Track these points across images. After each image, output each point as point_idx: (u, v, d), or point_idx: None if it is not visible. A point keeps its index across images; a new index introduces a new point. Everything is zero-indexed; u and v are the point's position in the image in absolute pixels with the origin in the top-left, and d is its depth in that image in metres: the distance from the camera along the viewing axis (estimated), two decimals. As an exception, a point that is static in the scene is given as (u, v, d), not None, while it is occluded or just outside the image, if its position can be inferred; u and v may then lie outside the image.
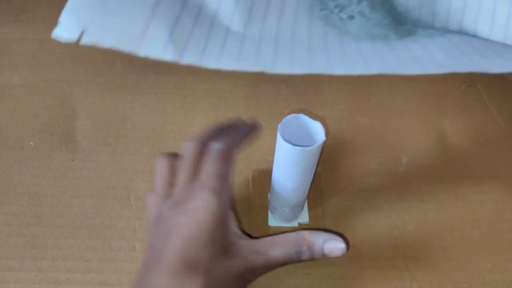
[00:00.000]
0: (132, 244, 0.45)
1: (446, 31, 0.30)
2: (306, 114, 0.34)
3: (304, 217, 0.46)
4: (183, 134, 0.53)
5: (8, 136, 0.51)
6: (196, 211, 0.29)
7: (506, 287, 0.45)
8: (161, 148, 0.52)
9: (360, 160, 0.52)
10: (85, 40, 0.25)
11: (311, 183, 0.40)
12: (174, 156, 0.37)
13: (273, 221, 0.46)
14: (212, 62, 0.27)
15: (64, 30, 0.25)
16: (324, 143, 0.33)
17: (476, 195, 0.50)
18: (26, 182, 0.48)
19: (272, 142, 0.55)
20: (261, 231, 0.46)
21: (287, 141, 0.33)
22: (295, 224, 0.46)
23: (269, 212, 0.47)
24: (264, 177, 0.49)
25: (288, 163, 0.36)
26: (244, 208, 0.48)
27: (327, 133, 0.33)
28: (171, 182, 0.36)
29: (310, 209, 0.47)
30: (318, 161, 0.36)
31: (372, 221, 0.48)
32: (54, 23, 0.28)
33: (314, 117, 0.35)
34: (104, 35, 0.24)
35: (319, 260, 0.35)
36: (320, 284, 0.44)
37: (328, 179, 0.51)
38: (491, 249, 0.47)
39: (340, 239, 0.34)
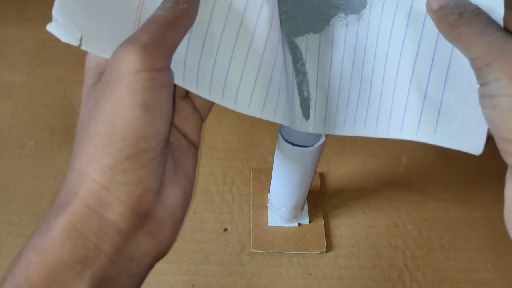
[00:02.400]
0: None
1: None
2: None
3: (304, 217, 0.46)
4: (183, 134, 0.53)
5: (9, 135, 0.51)
6: (112, 91, 0.20)
7: (506, 287, 0.45)
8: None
9: (360, 160, 0.52)
10: (86, 47, 0.24)
11: (311, 183, 0.40)
12: None
13: (273, 221, 0.46)
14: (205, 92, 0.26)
15: (62, 30, 0.24)
16: (324, 143, 0.33)
17: (475, 195, 0.50)
18: (26, 181, 0.48)
19: (272, 142, 0.55)
20: (261, 231, 0.46)
21: (287, 141, 0.33)
22: (295, 224, 0.46)
23: (269, 212, 0.47)
24: (264, 177, 0.49)
25: (289, 163, 0.36)
26: (244, 208, 0.48)
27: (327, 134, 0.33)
28: None
29: (310, 209, 0.47)
30: (318, 161, 0.36)
31: (372, 221, 0.48)
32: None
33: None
34: (103, 46, 0.24)
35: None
36: (320, 284, 0.45)
37: (328, 179, 0.51)
38: (491, 249, 0.47)
39: None
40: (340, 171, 0.51)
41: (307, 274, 0.45)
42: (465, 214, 0.49)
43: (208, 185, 0.50)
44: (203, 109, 0.27)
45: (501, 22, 0.23)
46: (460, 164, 0.52)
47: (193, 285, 0.44)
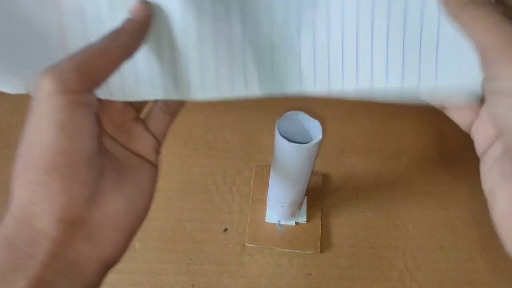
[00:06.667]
0: (132, 244, 0.45)
1: None
2: (306, 113, 0.34)
3: (302, 216, 0.46)
4: (183, 134, 0.53)
5: (9, 136, 0.52)
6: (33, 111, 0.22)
7: (506, 287, 0.44)
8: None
9: (360, 160, 0.52)
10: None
11: (309, 182, 0.40)
12: None
13: (271, 217, 0.46)
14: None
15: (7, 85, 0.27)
16: (321, 141, 0.33)
17: (475, 195, 0.50)
18: (27, 182, 0.49)
19: (272, 142, 0.55)
20: (257, 226, 0.46)
21: (284, 137, 0.33)
22: (292, 222, 0.46)
23: (267, 209, 0.47)
24: (266, 174, 0.49)
25: (285, 159, 0.36)
26: (244, 208, 0.48)
27: (324, 132, 0.33)
28: None
29: (309, 208, 0.47)
30: (315, 160, 0.36)
31: (372, 221, 0.48)
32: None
33: (314, 116, 0.35)
34: None
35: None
36: (320, 284, 0.44)
37: (328, 179, 0.51)
38: (491, 250, 0.46)
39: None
40: (340, 171, 0.51)
41: (307, 274, 0.45)
42: (466, 214, 0.49)
43: (208, 185, 0.50)
44: (157, 132, 0.29)
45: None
46: (461, 164, 0.51)
47: (193, 285, 0.44)
